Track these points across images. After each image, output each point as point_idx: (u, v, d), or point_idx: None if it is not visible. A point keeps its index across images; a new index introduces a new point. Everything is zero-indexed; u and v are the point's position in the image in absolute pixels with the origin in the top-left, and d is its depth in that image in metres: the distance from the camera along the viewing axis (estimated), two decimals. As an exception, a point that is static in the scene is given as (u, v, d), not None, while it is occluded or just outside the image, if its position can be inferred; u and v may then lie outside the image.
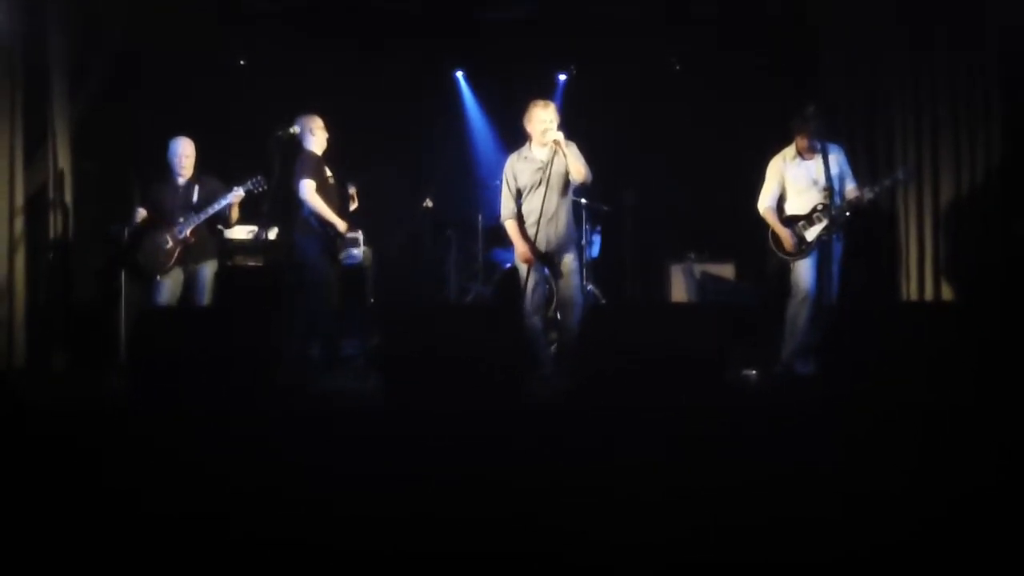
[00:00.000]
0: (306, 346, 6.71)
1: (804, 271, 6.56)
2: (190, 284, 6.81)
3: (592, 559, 2.67)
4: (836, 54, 7.87)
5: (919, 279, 7.59)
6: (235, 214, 6.93)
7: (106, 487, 3.46)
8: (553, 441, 4.00)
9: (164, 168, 6.86)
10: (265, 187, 6.77)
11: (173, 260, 6.72)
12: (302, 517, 2.98)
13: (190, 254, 6.77)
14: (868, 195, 6.57)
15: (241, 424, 4.42)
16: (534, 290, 6.21)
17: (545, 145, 6.15)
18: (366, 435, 4.15)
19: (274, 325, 6.11)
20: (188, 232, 6.72)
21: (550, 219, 6.18)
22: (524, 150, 6.32)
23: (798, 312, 6.56)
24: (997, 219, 7.30)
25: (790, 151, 6.70)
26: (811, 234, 6.55)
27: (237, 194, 6.75)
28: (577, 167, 6.07)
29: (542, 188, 6.10)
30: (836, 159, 6.47)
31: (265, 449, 3.82)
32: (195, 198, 6.81)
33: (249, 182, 6.77)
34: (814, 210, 6.56)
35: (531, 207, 6.21)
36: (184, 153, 6.82)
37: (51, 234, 7.09)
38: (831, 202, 6.36)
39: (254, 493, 3.21)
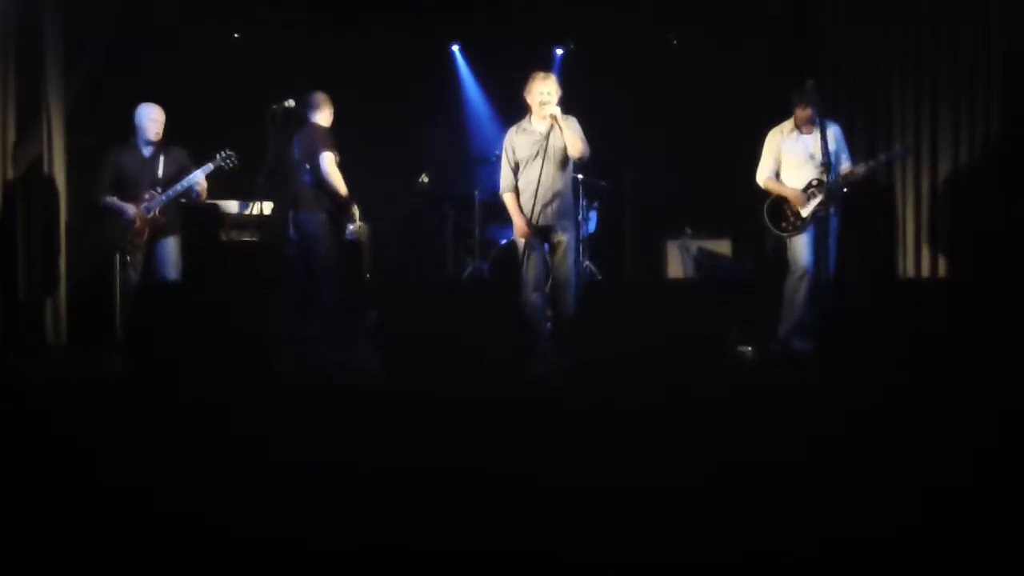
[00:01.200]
0: (305, 322, 6.71)
1: (801, 248, 6.57)
2: (154, 258, 6.68)
3: (592, 555, 2.67)
4: (836, 33, 7.83)
5: (916, 256, 7.60)
6: (204, 190, 6.78)
7: (101, 469, 3.45)
8: (550, 432, 3.97)
9: (129, 135, 6.72)
10: (236, 162, 6.69)
11: (143, 240, 6.61)
12: (299, 512, 2.95)
13: (157, 231, 6.66)
14: (861, 170, 6.56)
15: (239, 405, 4.40)
16: (532, 266, 6.20)
17: (544, 118, 6.12)
18: (366, 424, 4.11)
19: (272, 301, 6.09)
20: (157, 211, 6.62)
21: (547, 193, 6.15)
22: (524, 123, 6.29)
23: (796, 289, 6.57)
24: (996, 198, 7.32)
25: (788, 125, 6.70)
26: (807, 210, 6.55)
27: (206, 169, 6.63)
28: (574, 142, 6.04)
29: (539, 161, 6.07)
30: (833, 134, 6.50)
31: (262, 440, 3.78)
32: (160, 170, 6.65)
33: (218, 156, 6.66)
34: (809, 185, 6.56)
35: (528, 180, 6.18)
36: (157, 118, 6.66)
37: (44, 210, 7.03)
38: (827, 177, 6.37)
39: (251, 487, 3.19)
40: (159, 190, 6.61)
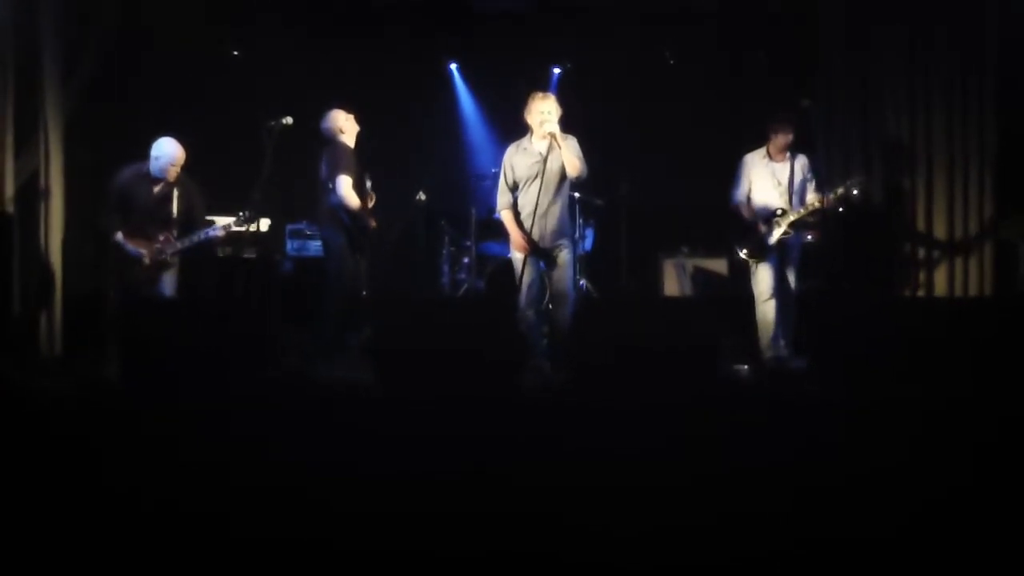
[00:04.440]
0: (307, 336, 6.73)
1: (764, 275, 6.74)
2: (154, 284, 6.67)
3: (592, 555, 2.66)
4: (834, 51, 7.88)
5: (911, 269, 7.64)
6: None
7: (97, 475, 3.43)
8: (548, 437, 3.97)
9: (141, 163, 6.64)
10: (252, 219, 6.74)
11: (148, 275, 6.59)
12: (298, 513, 2.94)
13: (163, 268, 6.66)
14: (831, 199, 6.63)
15: (237, 416, 4.38)
16: (530, 285, 6.19)
17: (544, 138, 6.13)
18: (363, 430, 4.11)
19: (270, 315, 6.08)
20: (169, 255, 6.61)
21: (544, 213, 6.16)
22: (523, 142, 6.30)
23: (764, 313, 6.75)
24: (989, 218, 7.40)
25: (760, 152, 6.87)
26: (771, 238, 6.69)
27: (227, 227, 6.68)
28: (572, 161, 6.04)
29: (537, 182, 6.10)
30: (801, 166, 6.71)
31: (261, 442, 3.78)
32: (175, 210, 6.63)
33: (240, 215, 6.67)
34: (773, 214, 6.67)
35: (527, 200, 6.19)
36: (177, 159, 6.61)
37: (41, 223, 7.02)
38: (791, 207, 6.63)
39: (249, 488, 3.17)
40: (174, 234, 6.60)
